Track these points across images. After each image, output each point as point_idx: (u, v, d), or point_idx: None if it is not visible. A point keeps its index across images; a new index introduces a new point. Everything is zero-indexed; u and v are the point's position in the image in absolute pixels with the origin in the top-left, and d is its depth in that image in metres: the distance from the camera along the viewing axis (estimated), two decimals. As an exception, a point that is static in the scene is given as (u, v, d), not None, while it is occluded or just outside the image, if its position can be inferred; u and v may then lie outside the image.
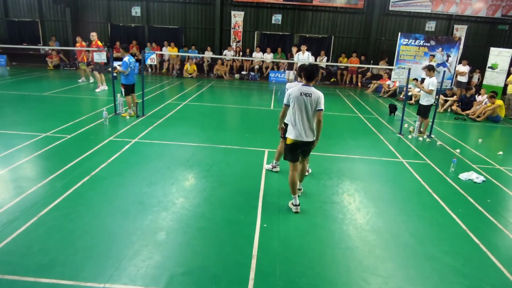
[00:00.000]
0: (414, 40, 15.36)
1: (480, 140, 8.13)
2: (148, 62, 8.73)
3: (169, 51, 16.20)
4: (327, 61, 16.75)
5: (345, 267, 3.27)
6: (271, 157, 5.92)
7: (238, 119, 9.43)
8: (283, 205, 4.33)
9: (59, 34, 17.70)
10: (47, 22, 17.91)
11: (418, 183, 5.34)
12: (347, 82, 16.70)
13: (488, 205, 4.72)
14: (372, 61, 16.85)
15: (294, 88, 4.00)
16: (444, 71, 9.47)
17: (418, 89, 11.47)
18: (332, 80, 16.97)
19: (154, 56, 8.83)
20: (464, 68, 13.46)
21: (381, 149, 6.95)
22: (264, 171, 5.36)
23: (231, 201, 4.39)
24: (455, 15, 16.96)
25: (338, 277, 3.14)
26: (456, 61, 15.05)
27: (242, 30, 17.51)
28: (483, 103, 10.77)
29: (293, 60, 11.77)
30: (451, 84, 14.86)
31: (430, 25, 17.24)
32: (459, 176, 5.60)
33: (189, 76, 16.06)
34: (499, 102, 10.34)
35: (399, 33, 15.49)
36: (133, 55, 14.20)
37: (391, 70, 12.13)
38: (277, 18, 17.49)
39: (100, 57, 8.69)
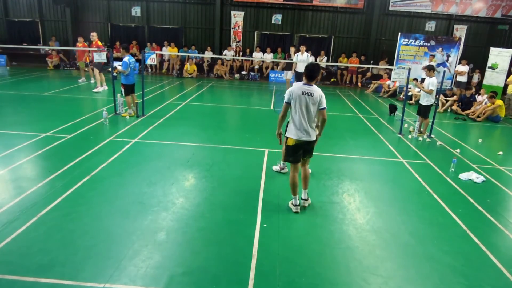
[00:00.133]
0: (414, 40, 15.36)
1: (480, 140, 8.13)
2: (148, 62, 8.72)
3: (169, 51, 16.20)
4: (327, 61, 16.75)
5: (345, 267, 3.27)
6: (271, 157, 5.92)
7: (238, 119, 9.43)
8: (283, 205, 4.33)
9: (59, 34, 17.70)
10: (47, 22, 17.91)
11: (418, 183, 5.34)
12: (347, 82, 16.70)
13: (488, 205, 4.72)
14: (372, 61, 16.85)
15: (295, 86, 3.99)
16: (444, 71, 9.46)
17: (418, 89, 11.47)
18: (332, 80, 16.97)
19: (154, 56, 8.83)
20: (464, 68, 13.46)
21: (381, 149, 6.95)
22: (264, 171, 5.35)
23: (231, 201, 4.39)
24: (455, 15, 16.96)
25: (338, 277, 3.14)
26: (456, 61, 15.05)
27: (242, 30, 17.51)
28: (483, 103, 10.77)
29: (292, 60, 11.74)
30: (451, 84, 14.86)
31: (430, 25, 17.25)
32: (459, 176, 5.60)
33: (189, 76, 16.06)
34: (499, 102, 10.34)
35: (399, 33, 15.50)
36: (133, 55, 14.19)
37: (391, 70, 12.14)
38: (277, 18, 17.49)
39: (100, 57, 8.69)
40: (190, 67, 16.12)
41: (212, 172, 5.25)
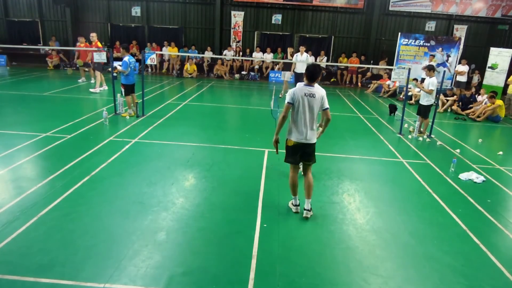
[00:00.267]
0: (414, 40, 15.36)
1: (480, 140, 8.13)
2: (148, 62, 8.73)
3: (169, 51, 16.20)
4: (327, 61, 16.75)
5: (345, 267, 3.27)
6: (271, 157, 5.93)
7: (238, 119, 9.43)
8: (283, 205, 4.33)
9: (59, 34, 17.71)
10: (47, 22, 17.92)
11: (418, 183, 5.34)
12: (347, 82, 16.70)
13: (488, 205, 4.72)
14: (372, 61, 16.85)
15: (297, 88, 3.97)
16: (444, 71, 9.47)
17: (418, 89, 11.47)
18: (332, 80, 16.97)
19: (154, 56, 8.83)
20: (463, 68, 13.46)
21: (381, 149, 6.95)
22: (264, 171, 5.35)
23: (231, 201, 4.39)
24: (455, 15, 16.96)
25: (338, 277, 3.14)
26: (456, 61, 15.05)
27: (242, 30, 17.51)
28: (483, 103, 10.77)
29: (291, 60, 11.71)
30: (451, 84, 14.86)
31: (430, 25, 17.25)
32: (459, 176, 5.60)
33: (189, 76, 16.06)
34: (499, 102, 10.34)
35: (399, 33, 15.50)
36: (133, 55, 14.19)
37: (391, 70, 12.13)
38: (277, 18, 17.49)
39: (100, 57, 8.69)
40: (190, 67, 16.12)
41: (212, 172, 5.25)
